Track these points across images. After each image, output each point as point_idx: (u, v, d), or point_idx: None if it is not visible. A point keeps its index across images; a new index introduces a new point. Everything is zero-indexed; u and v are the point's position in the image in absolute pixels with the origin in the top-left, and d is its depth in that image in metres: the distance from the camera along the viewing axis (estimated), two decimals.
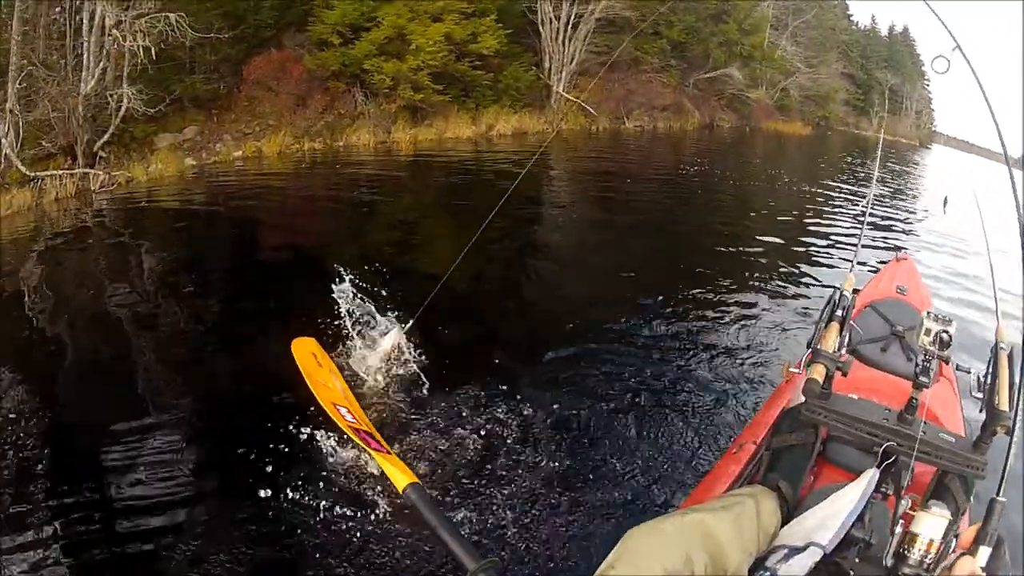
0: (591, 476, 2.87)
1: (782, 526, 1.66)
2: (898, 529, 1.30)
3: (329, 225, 6.53)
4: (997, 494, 1.27)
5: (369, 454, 1.62)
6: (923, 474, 1.94)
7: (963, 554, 1.20)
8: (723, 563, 1.33)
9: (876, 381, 2.54)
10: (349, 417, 1.92)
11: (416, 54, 10.97)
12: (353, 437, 1.80)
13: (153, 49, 7.17)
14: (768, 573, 1.46)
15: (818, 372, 1.71)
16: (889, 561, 1.32)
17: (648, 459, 3.05)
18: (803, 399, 1.86)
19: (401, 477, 1.49)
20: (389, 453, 1.64)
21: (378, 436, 1.78)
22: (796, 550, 1.49)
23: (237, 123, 9.45)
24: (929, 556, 1.26)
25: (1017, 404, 1.51)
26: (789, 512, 1.72)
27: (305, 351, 2.40)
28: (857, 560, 1.52)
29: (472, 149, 11.70)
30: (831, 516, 1.54)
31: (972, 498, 1.97)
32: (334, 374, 2.28)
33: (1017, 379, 1.70)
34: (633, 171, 11.48)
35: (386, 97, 11.14)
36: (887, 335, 2.96)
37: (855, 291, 2.77)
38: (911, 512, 1.32)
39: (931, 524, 1.26)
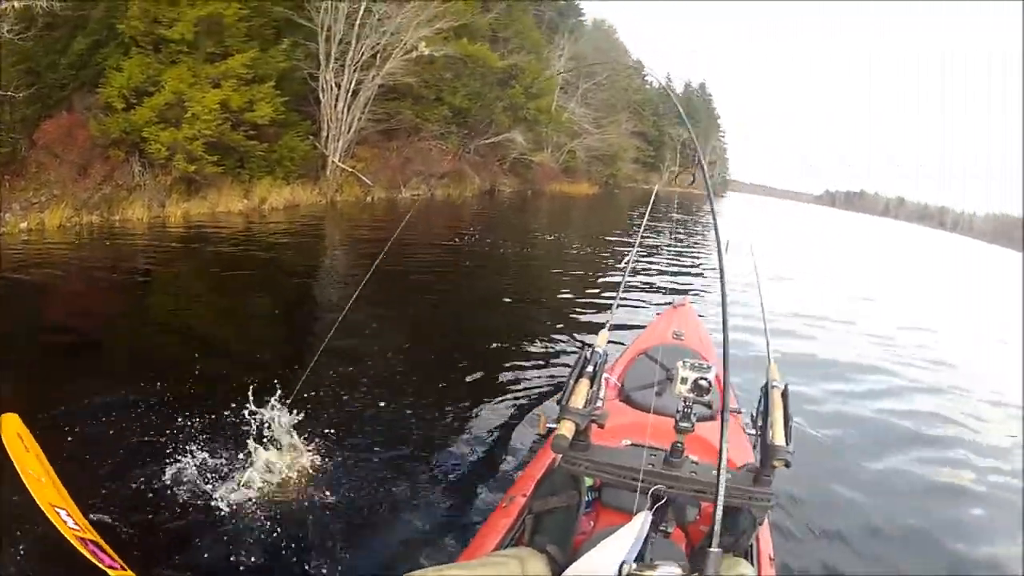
0: (347, 538, 3.22)
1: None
2: None
3: (104, 307, 7.58)
4: (710, 545, 1.40)
5: (103, 572, 1.52)
6: (710, 506, 2.17)
7: None
8: None
9: (647, 426, 2.75)
10: (72, 523, 1.75)
11: (192, 122, 12.74)
12: (82, 551, 1.65)
13: None
14: None
15: (566, 428, 1.94)
16: None
17: (415, 519, 3.43)
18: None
19: None
20: (125, 570, 1.59)
21: (109, 549, 1.69)
22: None
23: (26, 191, 10.68)
24: None
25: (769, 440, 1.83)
26: (560, 572, 1.88)
27: (10, 432, 2.08)
28: None
29: (244, 223, 13.51)
30: (608, 560, 1.72)
31: (766, 527, 2.35)
32: (43, 464, 2.03)
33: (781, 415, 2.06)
34: (408, 242, 12.79)
35: (162, 168, 12.89)
36: (662, 379, 3.32)
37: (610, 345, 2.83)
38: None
39: None
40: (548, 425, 2.21)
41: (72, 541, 1.70)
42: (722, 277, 1.93)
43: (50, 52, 11.74)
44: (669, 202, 34.10)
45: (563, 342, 7.31)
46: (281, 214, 15.08)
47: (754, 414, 2.21)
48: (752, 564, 2.25)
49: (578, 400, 2.08)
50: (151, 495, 3.45)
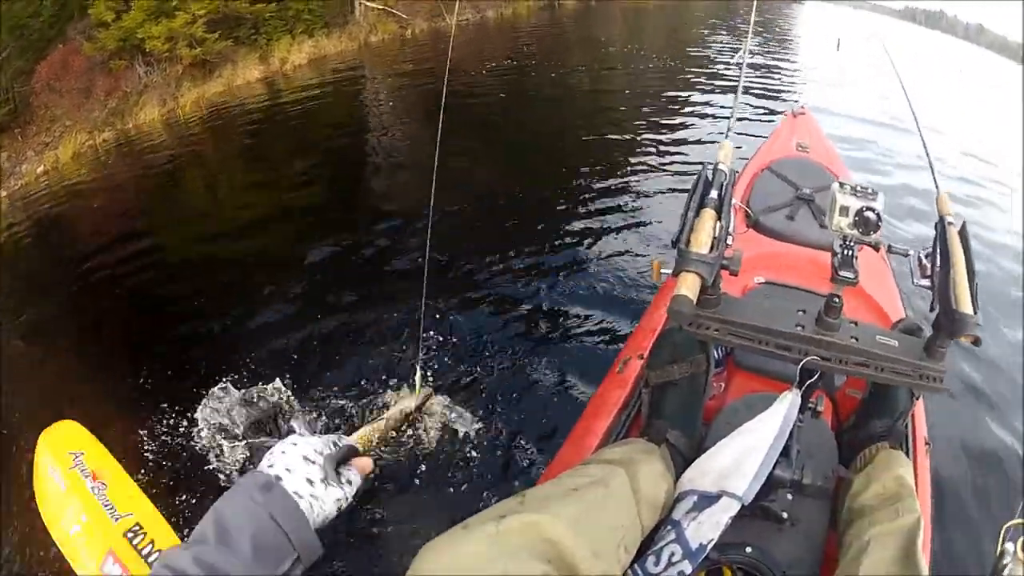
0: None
1: (685, 468, 1.60)
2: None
3: (137, 218, 7.32)
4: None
5: None
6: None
7: None
8: (574, 569, 1.15)
9: (786, 257, 2.45)
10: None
11: (184, 8, 12.21)
12: None
13: None
14: (673, 530, 1.43)
15: (688, 285, 1.33)
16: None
17: (511, 392, 3.22)
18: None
19: None
20: None
21: None
22: (707, 498, 1.43)
23: (39, 135, 10.77)
24: None
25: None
26: (685, 463, 1.62)
27: (59, 449, 1.69)
28: (790, 498, 1.50)
29: (266, 90, 12.91)
30: (746, 455, 1.44)
31: (920, 403, 1.95)
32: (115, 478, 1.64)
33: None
34: (459, 72, 11.97)
35: (169, 62, 12.51)
36: (791, 200, 2.84)
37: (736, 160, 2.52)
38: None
39: None
40: (663, 272, 1.55)
41: None
42: None
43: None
44: (751, 6, 29.52)
45: (663, 168, 6.24)
46: (307, 70, 14.24)
47: (922, 258, 1.56)
48: (908, 452, 1.80)
49: (702, 240, 1.40)
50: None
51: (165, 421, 3.32)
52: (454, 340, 3.72)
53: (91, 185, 9.08)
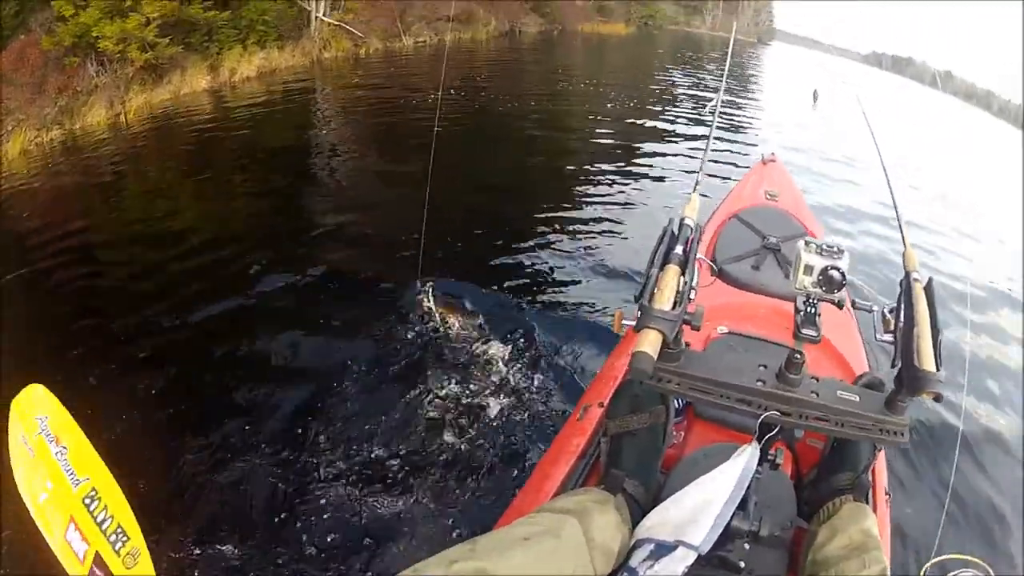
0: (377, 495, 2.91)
1: (642, 518, 1.63)
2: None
3: (74, 228, 7.03)
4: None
5: None
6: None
7: None
8: None
9: (750, 307, 2.44)
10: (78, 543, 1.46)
11: (138, 8, 12.27)
12: None
13: None
14: None
15: (650, 341, 1.35)
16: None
17: (462, 465, 3.05)
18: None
19: None
20: None
21: None
22: (664, 548, 1.46)
23: None
24: None
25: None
26: (642, 513, 1.66)
27: (27, 414, 1.64)
28: (747, 548, 1.52)
29: (212, 101, 12.92)
30: (703, 506, 1.48)
31: (882, 454, 1.99)
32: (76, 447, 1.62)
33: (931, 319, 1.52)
34: (410, 96, 12.18)
35: (120, 63, 12.54)
36: (758, 249, 2.85)
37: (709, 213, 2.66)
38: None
39: None
40: (625, 323, 1.60)
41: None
42: None
43: None
44: (716, 46, 31.43)
45: (625, 215, 6.28)
46: (256, 83, 14.34)
47: (886, 313, 1.66)
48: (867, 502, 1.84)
49: (665, 297, 1.46)
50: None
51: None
52: None
53: (30, 188, 8.79)
